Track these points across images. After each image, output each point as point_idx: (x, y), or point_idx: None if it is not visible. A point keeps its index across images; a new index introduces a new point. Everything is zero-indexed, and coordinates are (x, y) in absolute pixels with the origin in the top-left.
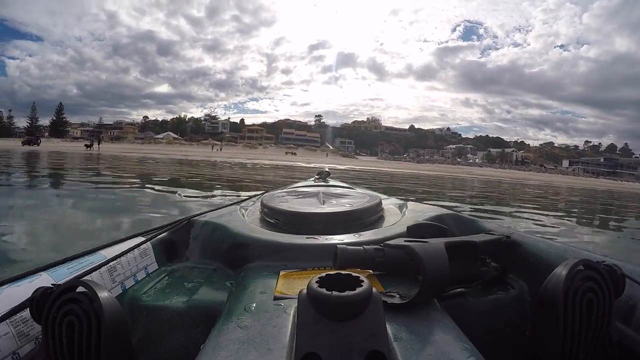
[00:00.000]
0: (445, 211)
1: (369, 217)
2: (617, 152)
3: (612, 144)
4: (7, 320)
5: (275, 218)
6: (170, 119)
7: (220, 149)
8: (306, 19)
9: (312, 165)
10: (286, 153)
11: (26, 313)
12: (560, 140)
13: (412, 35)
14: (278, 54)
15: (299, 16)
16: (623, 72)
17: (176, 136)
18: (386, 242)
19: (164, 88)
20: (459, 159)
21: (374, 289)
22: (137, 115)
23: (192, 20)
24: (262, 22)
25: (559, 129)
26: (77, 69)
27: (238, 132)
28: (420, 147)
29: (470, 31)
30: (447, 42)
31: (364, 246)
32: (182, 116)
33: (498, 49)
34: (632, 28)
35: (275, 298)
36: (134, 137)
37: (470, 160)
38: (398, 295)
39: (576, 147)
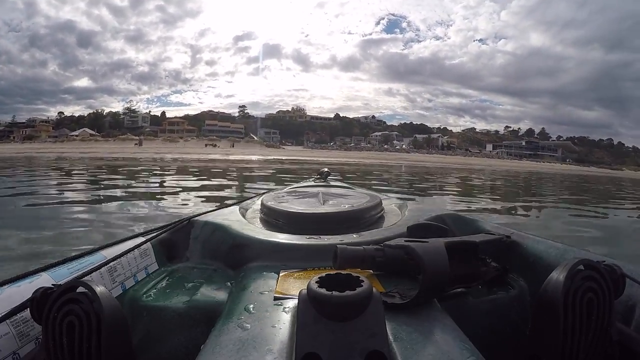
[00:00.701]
0: (445, 211)
1: (369, 217)
2: (535, 135)
3: (530, 128)
4: (7, 321)
5: (275, 218)
6: (87, 114)
7: (140, 144)
8: (232, 10)
9: (231, 157)
10: (206, 145)
11: (26, 313)
12: (480, 126)
13: (337, 28)
14: (203, 45)
15: (224, 7)
16: (537, 64)
17: (93, 132)
18: (386, 242)
19: (83, 82)
20: (386, 146)
21: (374, 289)
22: (54, 112)
23: (114, 9)
24: (187, 13)
25: (478, 115)
26: None
27: (159, 126)
28: (346, 136)
29: (393, 24)
30: (371, 34)
31: (364, 246)
32: (100, 111)
33: (420, 41)
34: (547, 25)
35: (276, 298)
36: (48, 135)
37: (398, 147)
38: (398, 295)
39: (497, 131)
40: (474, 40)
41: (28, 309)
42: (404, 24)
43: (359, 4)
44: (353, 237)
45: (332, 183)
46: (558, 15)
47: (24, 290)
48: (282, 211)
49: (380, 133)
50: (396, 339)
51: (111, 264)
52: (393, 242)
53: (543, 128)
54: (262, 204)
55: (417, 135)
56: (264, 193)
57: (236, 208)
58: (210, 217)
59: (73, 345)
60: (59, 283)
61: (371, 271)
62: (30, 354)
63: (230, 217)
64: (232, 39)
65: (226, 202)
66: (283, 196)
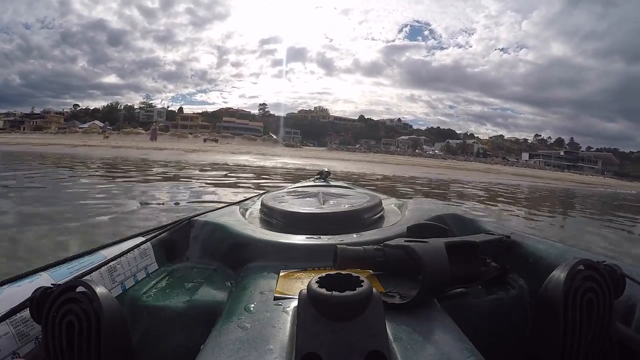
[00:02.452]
0: (445, 211)
1: (369, 217)
2: (565, 145)
3: (560, 137)
4: (7, 320)
5: (275, 218)
6: (102, 107)
7: (153, 138)
8: (259, 14)
9: (204, 158)
10: (205, 141)
11: (26, 313)
12: (501, 134)
13: (361, 34)
14: (229, 47)
15: (252, 11)
16: (559, 74)
17: (103, 125)
18: (386, 242)
19: (111, 79)
20: (417, 150)
21: (374, 289)
22: (82, 107)
23: (145, 11)
24: (216, 16)
25: (499, 124)
26: (23, 58)
27: (172, 121)
28: (371, 138)
29: (416, 32)
30: (394, 41)
31: (364, 246)
32: (114, 104)
33: (443, 49)
34: (567, 36)
35: (276, 298)
36: (57, 127)
37: (430, 152)
38: (398, 295)
39: (525, 140)
40: (495, 49)
41: (28, 308)
42: (426, 32)
43: (383, 12)
44: (353, 237)
45: (332, 183)
46: (578, 26)
47: (24, 290)
48: (282, 211)
49: (407, 137)
50: (396, 339)
51: (111, 263)
52: (393, 242)
53: (572, 138)
54: (262, 204)
55: (449, 140)
56: (264, 193)
57: (236, 208)
58: (210, 217)
59: (73, 345)
60: (58, 283)
61: (371, 271)
62: (30, 354)
63: (230, 217)
64: (258, 41)
65: (226, 202)
66: (283, 196)
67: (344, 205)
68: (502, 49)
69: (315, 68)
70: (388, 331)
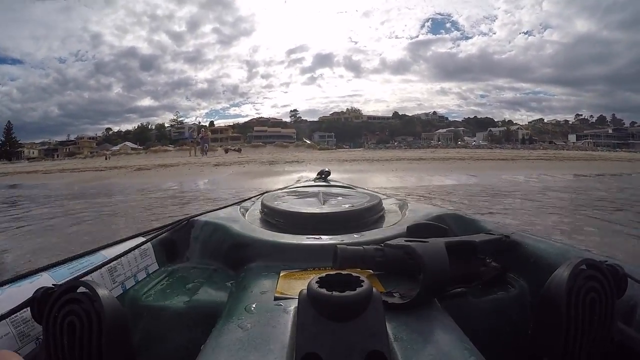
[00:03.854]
0: (445, 211)
1: (369, 217)
2: (608, 122)
3: (602, 115)
4: (7, 321)
5: (275, 218)
6: (133, 128)
7: (107, 158)
8: (283, 26)
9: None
10: (226, 151)
11: (27, 313)
12: (536, 118)
13: (384, 33)
14: (258, 60)
15: (276, 24)
16: (587, 51)
17: (135, 146)
18: (386, 242)
19: (146, 101)
20: (459, 142)
21: (374, 289)
22: (116, 130)
23: (173, 35)
24: (242, 32)
25: (534, 108)
26: (60, 90)
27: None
28: (408, 135)
29: (438, 25)
30: (417, 37)
31: (364, 246)
32: (145, 124)
33: (467, 39)
34: (590, 11)
35: (276, 298)
36: (90, 151)
37: (474, 143)
38: (398, 295)
39: (566, 121)
40: (519, 33)
41: (29, 309)
42: (449, 24)
43: (404, 9)
44: (353, 237)
45: (332, 182)
46: (598, 0)
47: (25, 290)
48: (282, 211)
49: (445, 129)
50: (396, 338)
51: (111, 264)
52: (393, 242)
53: (614, 114)
54: (262, 204)
55: (491, 128)
56: (264, 193)
57: (236, 208)
58: (210, 217)
59: (74, 345)
60: (59, 283)
61: (371, 271)
62: (31, 354)
63: (230, 217)
64: (285, 52)
65: (226, 202)
66: (283, 196)
67: (344, 205)
68: (526, 32)
69: (343, 72)
70: (388, 331)
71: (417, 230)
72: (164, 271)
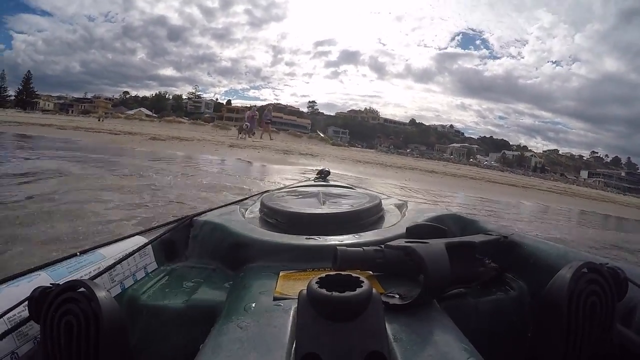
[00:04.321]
0: (445, 211)
1: (369, 217)
2: (622, 165)
3: (617, 156)
4: (5, 319)
5: (275, 218)
6: (151, 96)
7: (101, 119)
8: (315, 17)
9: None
10: (240, 133)
11: (25, 312)
12: (551, 148)
13: (414, 40)
14: (284, 47)
15: (308, 14)
16: (612, 90)
17: (150, 113)
18: (387, 243)
19: (168, 71)
20: (471, 160)
21: (373, 290)
22: (133, 94)
23: (205, 9)
24: (273, 17)
25: (550, 138)
26: (85, 47)
27: (218, 112)
28: (422, 144)
29: (468, 40)
30: (446, 48)
31: (364, 247)
32: (163, 93)
33: (495, 58)
34: (621, 51)
35: (275, 298)
36: (105, 111)
37: (486, 163)
38: (398, 296)
39: (581, 156)
40: (547, 62)
41: (26, 308)
42: (478, 41)
43: (436, 19)
44: (353, 238)
45: (332, 183)
46: (632, 42)
47: (22, 289)
48: (281, 211)
49: (459, 145)
50: (396, 339)
51: (110, 262)
52: (394, 243)
53: (629, 158)
54: (262, 204)
55: (505, 151)
56: (263, 193)
57: (236, 208)
58: (209, 217)
59: (71, 345)
60: (57, 282)
61: (371, 272)
62: (29, 354)
63: (230, 216)
64: (313, 43)
65: (226, 201)
66: (283, 196)
67: (344, 206)
68: (554, 62)
69: (367, 71)
70: (388, 332)
71: (416, 231)
72: (163, 270)
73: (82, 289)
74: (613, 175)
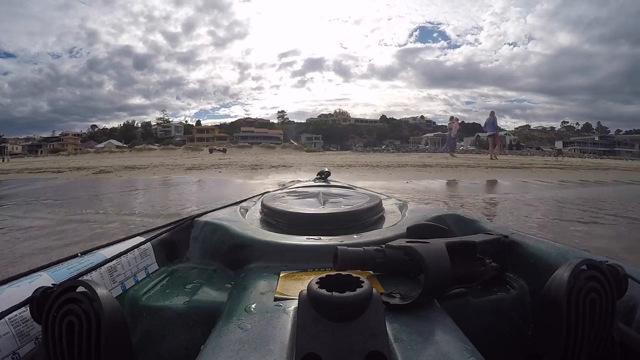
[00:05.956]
0: (445, 211)
1: (369, 217)
2: (593, 130)
3: (587, 122)
4: (7, 320)
5: (275, 219)
6: (119, 126)
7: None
8: (277, 30)
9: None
10: (211, 152)
11: (26, 313)
12: (521, 125)
13: (374, 41)
14: (250, 62)
15: (270, 28)
16: (570, 62)
17: (119, 144)
18: (387, 243)
19: (137, 100)
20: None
21: (374, 290)
22: (102, 127)
23: (168, 35)
24: (236, 35)
25: (518, 115)
26: (51, 86)
27: (189, 135)
28: (395, 138)
29: (426, 34)
30: (406, 44)
31: (364, 247)
32: (131, 122)
33: (454, 47)
34: (572, 25)
35: (276, 299)
36: (74, 148)
37: (462, 148)
38: (398, 296)
39: (553, 128)
40: (504, 44)
41: (28, 308)
42: (436, 34)
43: (393, 18)
44: (353, 238)
45: (332, 183)
46: (581, 15)
47: (24, 289)
48: (282, 211)
49: (432, 134)
50: (396, 339)
51: (111, 263)
52: (394, 243)
53: (599, 122)
54: (262, 204)
55: (479, 134)
56: (264, 193)
57: (236, 208)
58: (210, 217)
59: (73, 345)
60: (58, 283)
61: (371, 272)
62: (30, 354)
63: (230, 217)
64: (277, 55)
65: (226, 202)
66: (283, 196)
67: (344, 206)
68: (511, 44)
69: (333, 76)
70: (388, 332)
71: (417, 230)
72: (164, 271)
73: (83, 290)
74: (587, 141)
